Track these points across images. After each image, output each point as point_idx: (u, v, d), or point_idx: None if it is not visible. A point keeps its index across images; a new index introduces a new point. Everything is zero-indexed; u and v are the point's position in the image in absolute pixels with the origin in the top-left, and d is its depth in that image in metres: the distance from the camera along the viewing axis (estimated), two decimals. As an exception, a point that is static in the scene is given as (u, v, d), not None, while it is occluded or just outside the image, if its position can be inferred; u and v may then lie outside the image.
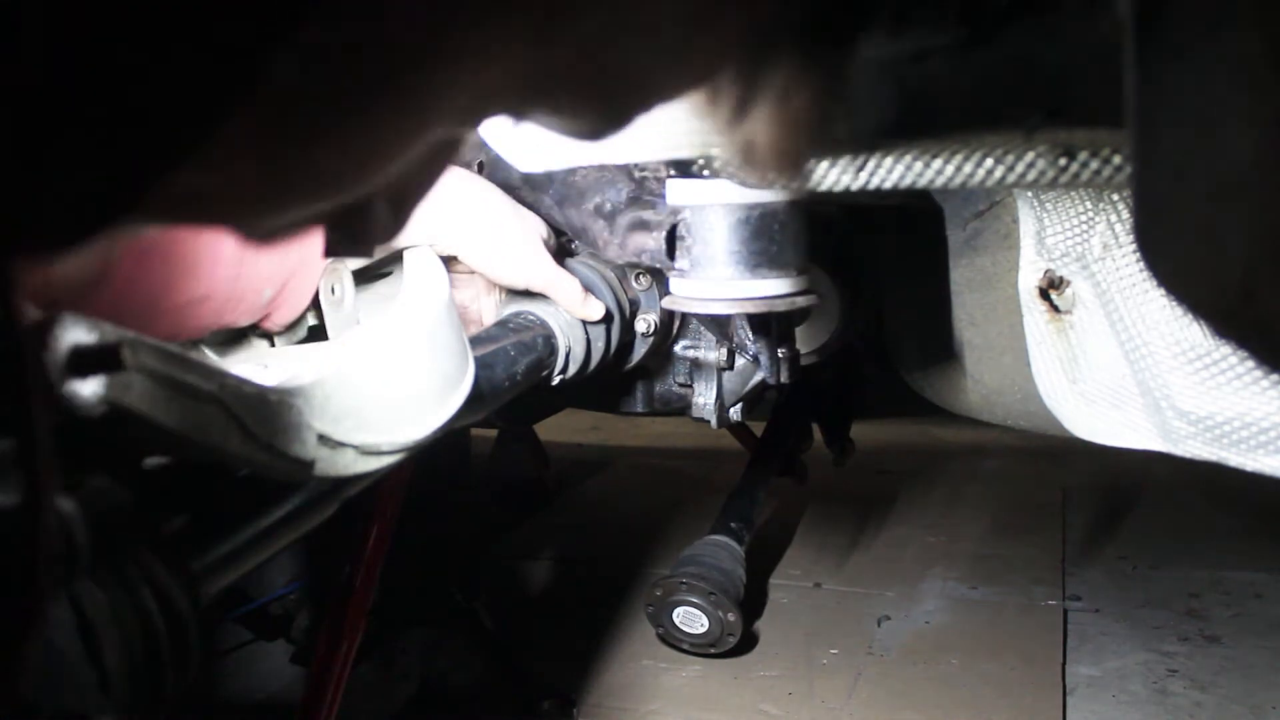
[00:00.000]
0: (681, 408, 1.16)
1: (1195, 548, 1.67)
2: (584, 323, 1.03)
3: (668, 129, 0.56)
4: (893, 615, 1.50)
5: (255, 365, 0.78)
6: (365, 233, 0.31)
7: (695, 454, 2.08)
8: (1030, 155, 0.69)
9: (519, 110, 0.30)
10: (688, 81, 0.34)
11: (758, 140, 0.40)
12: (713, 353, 1.11)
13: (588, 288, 1.03)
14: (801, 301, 0.94)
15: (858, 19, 0.39)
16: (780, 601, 1.56)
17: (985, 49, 0.69)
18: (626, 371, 1.14)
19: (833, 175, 0.75)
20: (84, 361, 0.40)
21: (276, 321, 0.79)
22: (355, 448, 0.58)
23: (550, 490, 2.19)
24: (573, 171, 1.03)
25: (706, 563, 1.24)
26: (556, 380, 1.02)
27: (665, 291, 1.01)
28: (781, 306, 0.93)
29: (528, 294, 1.04)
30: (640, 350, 1.11)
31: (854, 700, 1.30)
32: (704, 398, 1.13)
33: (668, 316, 1.11)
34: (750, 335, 1.08)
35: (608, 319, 1.05)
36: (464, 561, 1.52)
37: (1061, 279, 0.91)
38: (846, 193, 0.76)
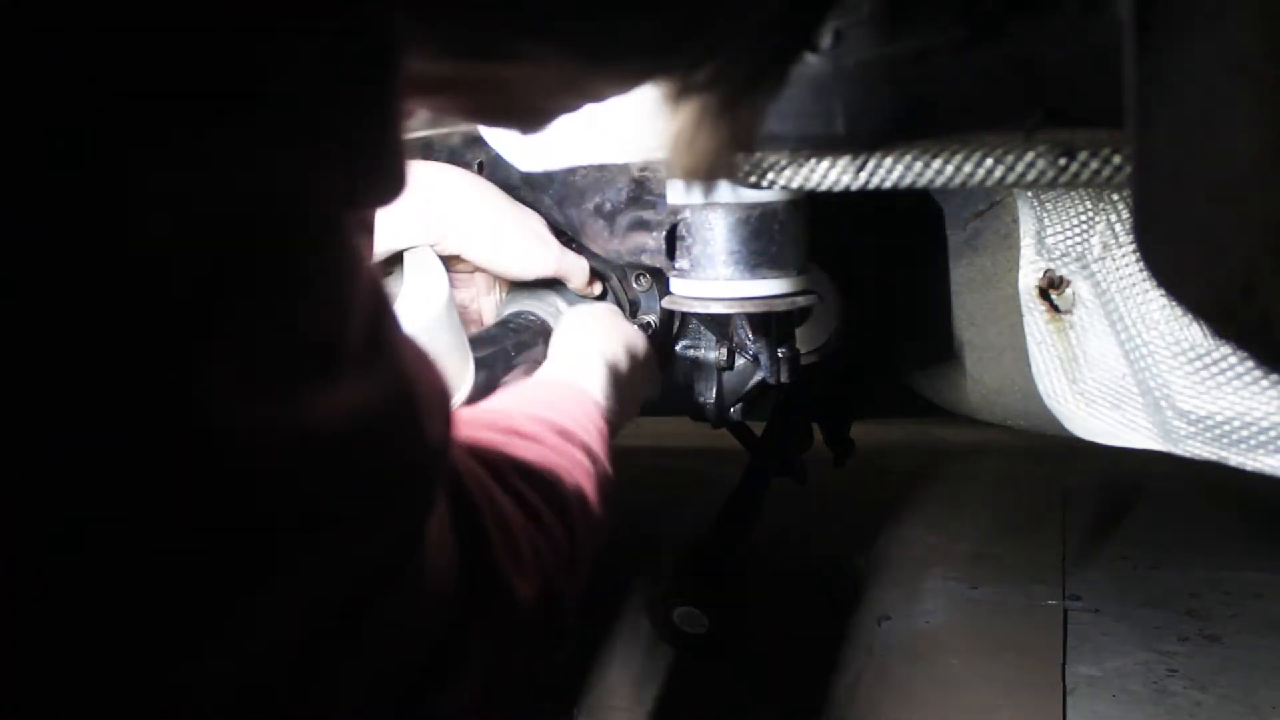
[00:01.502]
0: (681, 408, 1.16)
1: (1195, 548, 1.67)
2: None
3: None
4: (893, 615, 1.50)
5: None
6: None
7: (695, 454, 2.07)
8: (1030, 155, 0.69)
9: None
10: (588, 102, 0.47)
11: (687, 134, 0.44)
12: (713, 353, 1.11)
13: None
14: (801, 301, 0.94)
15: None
16: (781, 601, 1.56)
17: (985, 49, 0.69)
18: (626, 371, 1.14)
19: (833, 175, 0.75)
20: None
21: None
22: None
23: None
24: (573, 171, 1.03)
25: (706, 562, 1.24)
26: (556, 380, 1.02)
27: (665, 291, 1.01)
28: (781, 306, 0.93)
29: (530, 292, 1.04)
30: (640, 350, 1.12)
31: (854, 700, 1.30)
32: (704, 398, 1.13)
33: (668, 316, 1.11)
34: (750, 335, 1.07)
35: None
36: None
37: (1061, 279, 0.91)
38: (846, 193, 0.76)
